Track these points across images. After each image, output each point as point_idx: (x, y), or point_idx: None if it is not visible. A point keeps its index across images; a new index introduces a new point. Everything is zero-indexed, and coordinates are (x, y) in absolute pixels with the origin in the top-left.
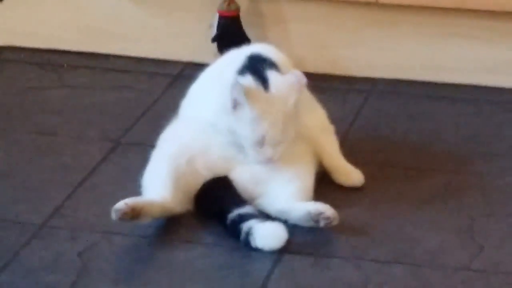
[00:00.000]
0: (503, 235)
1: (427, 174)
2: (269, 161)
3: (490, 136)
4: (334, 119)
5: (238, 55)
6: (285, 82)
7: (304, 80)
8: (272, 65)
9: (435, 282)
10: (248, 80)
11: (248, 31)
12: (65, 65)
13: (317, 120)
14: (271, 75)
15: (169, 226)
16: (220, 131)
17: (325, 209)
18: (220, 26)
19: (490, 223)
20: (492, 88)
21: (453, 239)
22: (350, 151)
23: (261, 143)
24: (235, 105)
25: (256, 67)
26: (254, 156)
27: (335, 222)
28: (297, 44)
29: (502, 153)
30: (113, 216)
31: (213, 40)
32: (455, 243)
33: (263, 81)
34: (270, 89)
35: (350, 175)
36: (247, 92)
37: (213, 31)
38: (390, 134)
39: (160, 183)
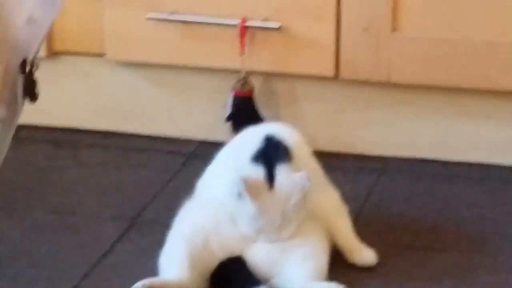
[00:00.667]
0: None
1: (439, 253)
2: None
3: (502, 216)
4: (346, 197)
5: (253, 136)
6: (290, 182)
7: (307, 185)
8: (286, 152)
9: None
10: (258, 172)
11: (262, 110)
12: (81, 143)
13: (330, 201)
14: (280, 169)
15: None
16: (228, 212)
17: None
18: (234, 105)
19: None
20: (504, 167)
21: None
22: (362, 230)
23: (255, 235)
24: (239, 196)
25: (269, 155)
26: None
27: None
28: (309, 122)
29: None
30: None
31: (228, 119)
32: None
33: (271, 176)
34: (274, 186)
35: (363, 254)
36: (250, 189)
37: (228, 110)
38: (402, 213)
39: (177, 263)
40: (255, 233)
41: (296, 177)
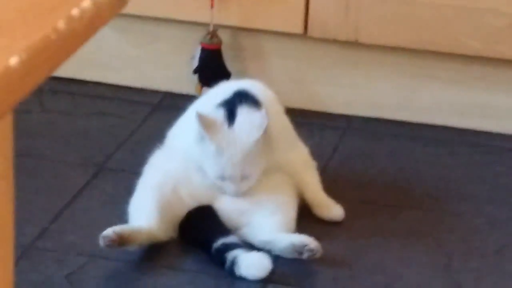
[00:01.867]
0: (479, 274)
1: (403, 211)
2: (236, 195)
3: (464, 177)
4: (311, 154)
5: (224, 90)
6: (250, 120)
7: (265, 121)
8: (255, 101)
9: None
10: (218, 113)
11: (229, 64)
12: (47, 90)
13: (299, 156)
14: (241, 111)
15: (154, 252)
16: (196, 162)
17: (309, 241)
18: (201, 58)
19: (466, 261)
20: (465, 130)
21: (431, 275)
22: (328, 186)
23: (221, 178)
24: (201, 138)
25: (234, 102)
26: (221, 189)
27: (318, 255)
28: (275, 78)
29: (475, 194)
30: (101, 243)
31: (195, 71)
32: (433, 279)
33: (231, 117)
34: (234, 125)
35: (331, 209)
36: (206, 126)
37: (195, 63)
38: (367, 171)
39: (146, 211)
40: (219, 179)
41: (255, 115)
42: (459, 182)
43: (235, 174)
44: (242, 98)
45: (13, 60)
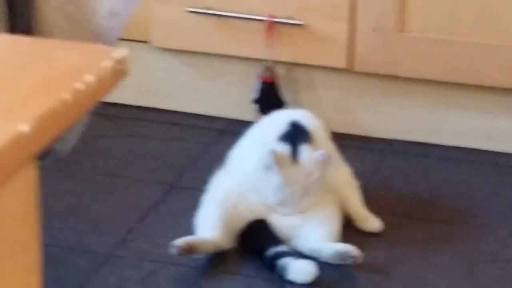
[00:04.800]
0: (501, 279)
1: (435, 224)
2: (288, 215)
3: (487, 194)
4: (354, 173)
5: (280, 120)
6: (313, 159)
7: (329, 162)
8: (308, 135)
9: None
10: (284, 148)
11: (284, 95)
12: (125, 117)
13: (343, 176)
14: (304, 148)
15: (217, 259)
16: (254, 184)
17: (351, 249)
18: (260, 89)
19: (490, 268)
20: (489, 152)
21: (458, 281)
22: (368, 202)
23: (280, 204)
24: (267, 167)
25: (294, 136)
26: (275, 209)
27: (359, 261)
28: (324, 107)
29: (497, 210)
30: (173, 251)
31: (254, 101)
32: (461, 285)
33: (295, 153)
34: (299, 161)
35: (370, 222)
36: (278, 161)
37: (254, 94)
38: (403, 189)
39: (211, 224)
40: (278, 205)
41: (317, 155)
42: (484, 199)
43: (293, 203)
44: (298, 132)
45: (25, 127)
